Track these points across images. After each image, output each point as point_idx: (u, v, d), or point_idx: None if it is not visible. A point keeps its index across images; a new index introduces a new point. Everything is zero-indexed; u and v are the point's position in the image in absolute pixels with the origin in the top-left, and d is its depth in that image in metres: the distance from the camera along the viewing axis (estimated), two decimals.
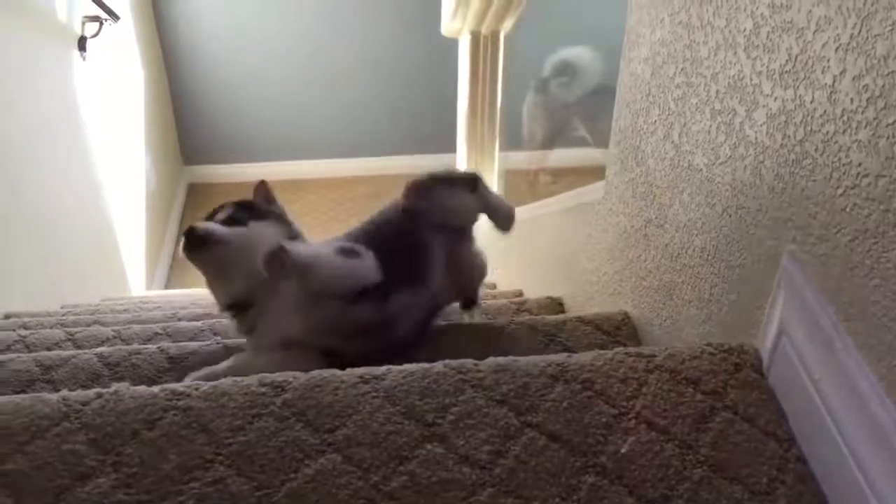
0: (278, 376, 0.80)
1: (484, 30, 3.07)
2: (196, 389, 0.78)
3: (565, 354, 0.83)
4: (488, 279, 2.71)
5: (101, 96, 3.37)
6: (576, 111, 3.78)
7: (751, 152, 0.84)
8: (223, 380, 0.80)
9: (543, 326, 1.22)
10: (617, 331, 1.21)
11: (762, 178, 0.82)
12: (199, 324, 1.59)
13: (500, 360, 0.82)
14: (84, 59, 3.11)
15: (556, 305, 1.63)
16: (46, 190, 2.65)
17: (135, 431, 0.74)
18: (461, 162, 3.63)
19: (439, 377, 0.79)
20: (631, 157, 1.22)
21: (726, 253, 0.91)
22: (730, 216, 0.90)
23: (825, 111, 0.70)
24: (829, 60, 0.69)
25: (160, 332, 1.55)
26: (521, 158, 4.16)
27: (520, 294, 2.04)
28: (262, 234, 1.16)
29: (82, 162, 3.09)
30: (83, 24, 3.12)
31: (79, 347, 1.49)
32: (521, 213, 2.43)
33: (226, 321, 1.56)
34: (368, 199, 5.01)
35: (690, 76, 0.99)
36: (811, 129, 0.72)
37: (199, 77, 4.87)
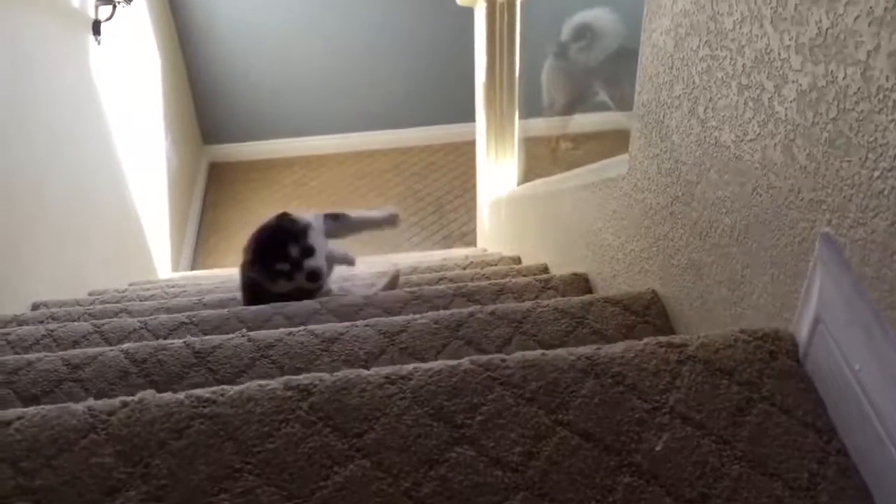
0: (303, 379, 0.79)
1: None
2: (221, 395, 0.77)
3: (594, 347, 0.81)
4: (513, 253, 2.70)
5: (118, 79, 3.36)
6: (596, 75, 3.72)
7: (781, 130, 0.81)
8: (248, 384, 0.79)
9: (570, 308, 1.20)
10: (646, 311, 1.19)
11: (793, 158, 0.79)
12: (224, 312, 1.59)
13: (528, 354, 0.81)
14: (99, 43, 3.09)
15: (582, 282, 1.61)
16: (69, 176, 2.65)
17: (162, 441, 0.73)
18: (480, 131, 3.60)
19: (466, 375, 0.78)
20: (655, 132, 1.19)
21: (757, 233, 0.88)
22: (760, 196, 0.87)
23: (859, 88, 0.67)
24: (861, 35, 0.65)
25: (186, 321, 1.55)
26: (541, 126, 4.11)
27: (544, 269, 2.02)
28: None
29: (102, 146, 3.10)
30: (96, 7, 3.10)
31: (106, 340, 1.50)
32: (543, 186, 2.41)
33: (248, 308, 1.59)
34: (388, 172, 4.99)
35: (715, 49, 0.96)
36: (844, 108, 0.69)
37: (216, 55, 4.84)
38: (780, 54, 0.80)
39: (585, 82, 3.79)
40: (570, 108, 3.97)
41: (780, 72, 0.80)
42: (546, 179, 2.40)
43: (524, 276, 1.91)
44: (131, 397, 0.79)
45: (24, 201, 2.22)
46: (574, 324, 1.17)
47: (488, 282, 1.68)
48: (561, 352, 0.81)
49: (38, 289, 2.25)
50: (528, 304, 1.24)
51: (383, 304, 1.55)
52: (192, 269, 4.38)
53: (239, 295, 2.01)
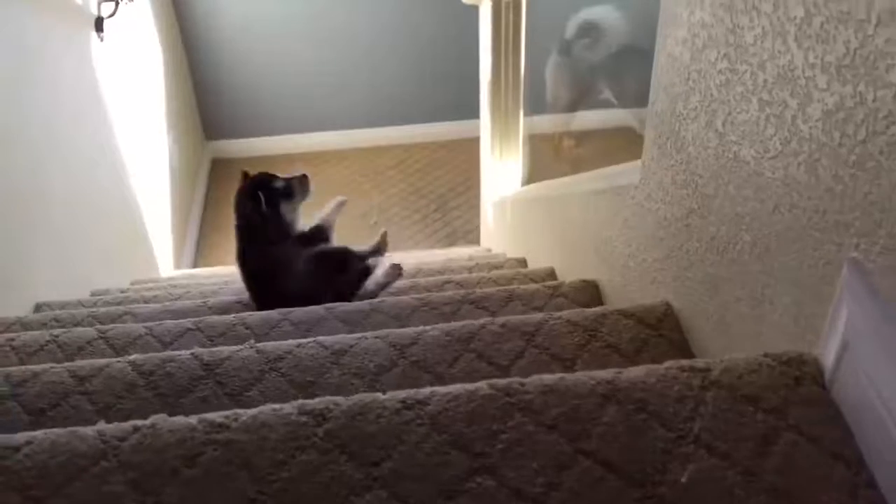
0: (318, 403, 0.77)
1: None
2: (235, 420, 0.76)
3: (614, 370, 0.80)
4: (518, 254, 2.69)
5: (121, 76, 3.34)
6: (600, 73, 3.69)
7: (805, 149, 0.79)
8: (262, 408, 0.78)
9: (584, 321, 1.19)
10: (660, 324, 1.17)
11: (819, 178, 0.77)
12: (230, 318, 1.58)
13: (547, 378, 0.79)
14: (102, 39, 3.08)
15: (592, 289, 1.59)
16: (70, 173, 2.64)
17: (175, 469, 0.72)
18: (485, 128, 3.58)
19: (485, 400, 0.76)
20: (670, 142, 1.17)
21: (779, 252, 0.87)
22: (782, 214, 0.85)
23: (889, 111, 0.65)
24: (893, 58, 0.64)
25: (192, 327, 1.54)
26: (546, 123, 4.08)
27: (551, 273, 2.00)
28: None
29: (105, 143, 3.08)
30: (99, 4, 3.09)
31: (111, 346, 1.49)
32: (550, 188, 2.39)
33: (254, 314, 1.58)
34: (391, 168, 4.97)
35: (735, 63, 0.94)
36: (874, 131, 0.67)
37: (218, 52, 4.82)
38: (804, 72, 0.78)
39: (589, 80, 3.77)
40: (574, 106, 3.95)
41: (805, 90, 0.78)
42: (554, 181, 2.38)
43: (533, 280, 1.89)
44: (143, 422, 0.77)
45: (25, 199, 2.21)
46: (587, 337, 1.16)
47: (496, 287, 1.67)
48: (580, 376, 0.79)
49: (40, 288, 2.24)
50: (539, 315, 1.22)
51: (391, 310, 1.54)
52: (194, 266, 4.36)
53: (245, 297, 2.00)
